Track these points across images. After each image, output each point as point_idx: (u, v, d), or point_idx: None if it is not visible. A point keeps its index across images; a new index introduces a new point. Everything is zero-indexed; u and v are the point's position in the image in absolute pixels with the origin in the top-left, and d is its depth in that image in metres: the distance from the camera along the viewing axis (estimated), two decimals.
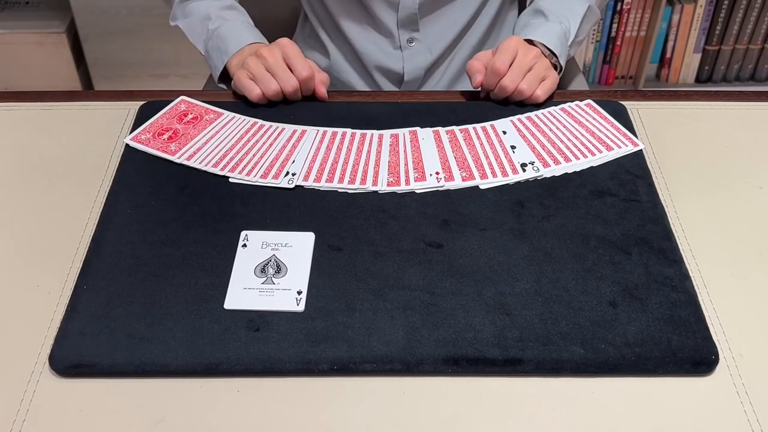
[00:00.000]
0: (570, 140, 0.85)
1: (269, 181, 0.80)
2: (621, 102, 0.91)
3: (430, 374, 0.64)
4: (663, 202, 0.79)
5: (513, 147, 0.84)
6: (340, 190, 0.79)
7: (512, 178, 0.81)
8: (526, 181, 0.81)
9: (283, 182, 0.80)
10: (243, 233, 0.74)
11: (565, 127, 0.87)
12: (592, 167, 0.82)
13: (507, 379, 0.64)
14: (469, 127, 0.87)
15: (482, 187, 0.80)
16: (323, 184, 0.80)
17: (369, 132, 0.86)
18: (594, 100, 0.91)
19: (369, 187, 0.79)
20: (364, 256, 0.72)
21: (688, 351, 0.65)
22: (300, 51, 0.90)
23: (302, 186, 0.80)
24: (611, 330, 0.66)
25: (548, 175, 0.81)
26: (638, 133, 0.87)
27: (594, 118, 0.89)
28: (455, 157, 0.83)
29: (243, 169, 0.82)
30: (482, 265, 0.71)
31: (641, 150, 0.84)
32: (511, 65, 0.88)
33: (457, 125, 0.87)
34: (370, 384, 0.64)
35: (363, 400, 0.63)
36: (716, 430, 0.61)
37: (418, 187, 0.80)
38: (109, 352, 0.64)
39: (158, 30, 1.92)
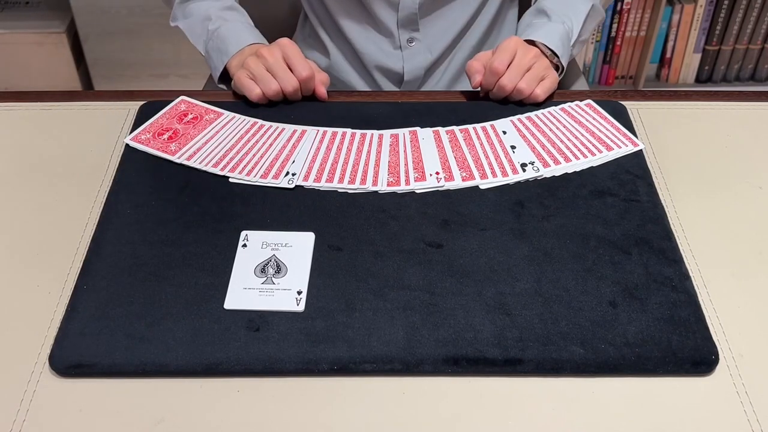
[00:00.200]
0: (570, 140, 0.85)
1: (269, 181, 0.80)
2: (621, 102, 0.91)
3: (430, 374, 0.64)
4: (663, 202, 0.79)
5: (513, 147, 0.84)
6: (340, 190, 0.79)
7: (512, 178, 0.81)
8: (526, 181, 0.81)
9: (283, 182, 0.80)
10: (243, 233, 0.74)
11: (565, 127, 0.87)
12: (592, 167, 0.82)
13: (507, 379, 0.64)
14: (469, 127, 0.87)
15: (482, 187, 0.80)
16: (323, 184, 0.80)
17: (369, 132, 0.86)
18: (594, 100, 0.91)
19: (369, 187, 0.79)
20: (364, 256, 0.72)
21: (688, 351, 0.65)
22: (300, 51, 0.90)
23: (302, 186, 0.80)
24: (611, 330, 0.66)
25: (548, 175, 0.81)
26: (638, 133, 0.87)
27: (594, 118, 0.89)
28: (455, 157, 0.83)
29: (243, 169, 0.82)
30: (482, 265, 0.71)
31: (641, 150, 0.84)
32: (510, 65, 0.88)
33: (457, 125, 0.87)
34: (370, 384, 0.64)
35: (363, 400, 0.63)
36: (716, 430, 0.61)
37: (418, 187, 0.80)
38: (109, 352, 0.64)
39: (158, 30, 1.92)
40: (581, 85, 1.12)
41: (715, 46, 2.03)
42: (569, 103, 0.91)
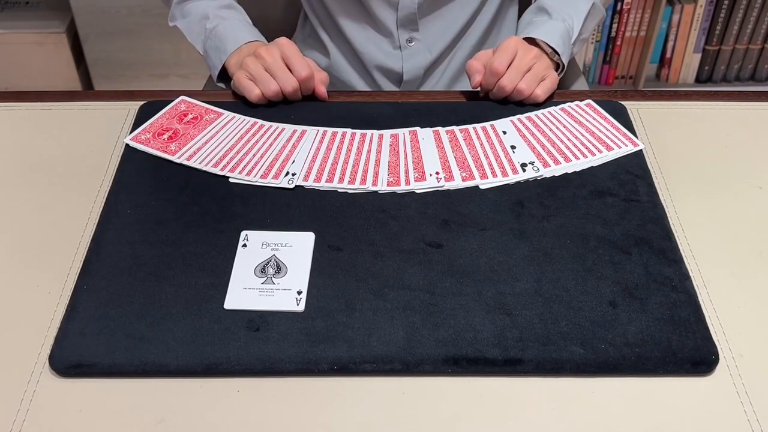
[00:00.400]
0: (570, 140, 0.85)
1: (269, 181, 0.80)
2: (621, 102, 0.91)
3: (430, 374, 0.64)
4: (663, 202, 0.79)
5: (513, 147, 0.84)
6: (340, 190, 0.79)
7: (512, 178, 0.81)
8: (526, 181, 0.81)
9: (283, 182, 0.80)
10: (243, 233, 0.74)
11: (565, 127, 0.87)
12: (592, 167, 0.82)
13: (507, 379, 0.64)
14: (469, 127, 0.87)
15: (482, 187, 0.80)
16: (323, 184, 0.80)
17: (369, 132, 0.86)
18: (594, 100, 0.91)
19: (369, 187, 0.79)
20: (364, 256, 0.72)
21: (688, 351, 0.65)
22: (298, 50, 0.90)
23: (302, 186, 0.80)
24: (611, 330, 0.66)
25: (548, 175, 0.81)
26: (638, 133, 0.87)
27: (594, 118, 0.89)
28: (455, 157, 0.83)
29: (243, 169, 0.82)
30: (482, 265, 0.71)
31: (641, 150, 0.84)
32: (510, 65, 0.88)
33: (457, 125, 0.87)
34: (370, 384, 0.64)
35: (363, 400, 0.63)
36: (716, 430, 0.61)
37: (418, 187, 0.80)
38: (109, 352, 0.64)
39: (158, 30, 1.92)
40: (581, 85, 1.12)
41: (715, 46, 2.03)
42: (569, 103, 0.91)
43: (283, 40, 0.90)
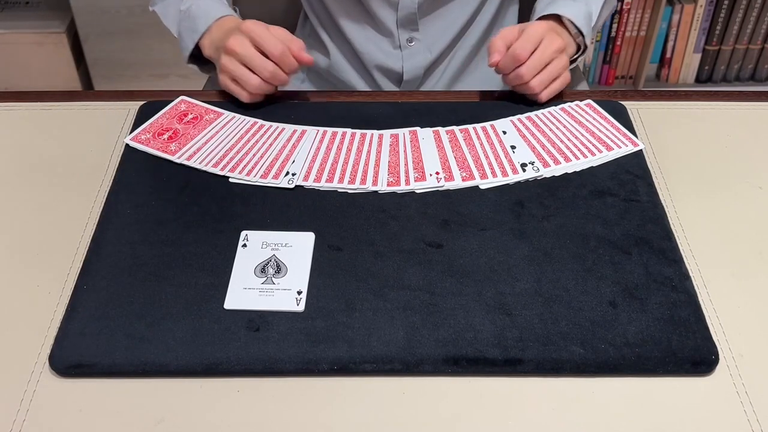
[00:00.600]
0: (570, 140, 0.85)
1: (269, 181, 0.80)
2: (621, 102, 0.91)
3: (430, 374, 0.64)
4: (663, 202, 0.79)
5: (513, 147, 0.84)
6: (340, 190, 0.79)
7: (512, 178, 0.81)
8: (526, 181, 0.81)
9: (283, 182, 0.80)
10: (243, 233, 0.74)
11: (565, 127, 0.87)
12: (592, 167, 0.82)
13: (507, 379, 0.64)
14: (469, 127, 0.87)
15: (482, 187, 0.80)
16: (323, 184, 0.80)
17: (369, 132, 0.86)
18: (594, 100, 0.91)
19: (369, 187, 0.79)
20: (364, 256, 0.72)
21: (688, 351, 0.65)
22: (266, 28, 0.86)
23: (302, 186, 0.80)
24: (611, 330, 0.66)
25: (548, 175, 0.81)
26: (638, 133, 0.87)
27: (594, 118, 0.89)
28: (455, 157, 0.83)
29: (243, 169, 0.82)
30: (482, 265, 0.71)
31: (641, 150, 0.84)
32: (532, 54, 0.86)
33: (457, 125, 0.87)
34: (370, 384, 0.64)
35: (363, 400, 0.63)
36: (716, 430, 0.61)
37: (418, 187, 0.80)
38: (109, 352, 0.64)
39: (158, 30, 1.91)
40: (581, 85, 1.12)
41: (715, 46, 2.03)
42: (569, 103, 0.91)
43: (248, 25, 0.86)
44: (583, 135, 0.86)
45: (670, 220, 0.77)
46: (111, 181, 0.81)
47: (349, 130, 0.86)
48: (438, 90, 1.06)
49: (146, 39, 1.94)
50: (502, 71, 0.89)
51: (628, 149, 0.84)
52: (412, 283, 0.70)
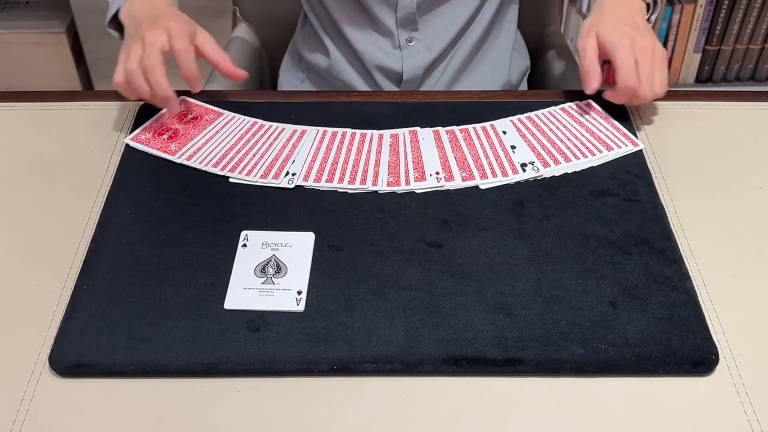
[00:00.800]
0: (570, 140, 0.85)
1: (269, 181, 0.80)
2: None
3: (430, 374, 0.64)
4: (663, 202, 0.79)
5: (513, 147, 0.84)
6: (340, 190, 0.79)
7: (512, 178, 0.81)
8: (526, 181, 0.81)
9: (283, 182, 0.80)
10: (243, 233, 0.74)
11: (565, 127, 0.87)
12: (592, 167, 0.82)
13: (507, 379, 0.64)
14: (469, 127, 0.87)
15: (482, 187, 0.80)
16: (323, 184, 0.80)
17: (369, 132, 0.86)
18: (594, 100, 0.91)
19: (369, 187, 0.79)
20: (364, 256, 0.72)
21: (688, 351, 0.65)
22: (188, 40, 0.83)
23: (302, 186, 0.80)
24: (611, 330, 0.66)
25: (548, 175, 0.81)
26: (638, 133, 0.87)
27: (594, 118, 0.89)
28: (455, 157, 0.83)
29: (243, 169, 0.82)
30: (482, 265, 0.71)
31: (641, 150, 0.84)
32: (639, 74, 0.83)
33: (457, 125, 0.87)
34: (370, 384, 0.64)
35: (363, 400, 0.63)
36: (716, 430, 0.61)
37: (418, 187, 0.80)
38: (109, 352, 0.64)
39: None
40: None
41: (715, 46, 2.02)
42: (569, 103, 0.91)
43: (172, 29, 0.82)
44: (583, 135, 0.86)
45: (670, 220, 0.77)
46: (111, 181, 0.81)
47: (349, 130, 0.86)
48: (438, 90, 1.06)
49: None
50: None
51: (628, 149, 0.84)
52: (412, 283, 0.70)
